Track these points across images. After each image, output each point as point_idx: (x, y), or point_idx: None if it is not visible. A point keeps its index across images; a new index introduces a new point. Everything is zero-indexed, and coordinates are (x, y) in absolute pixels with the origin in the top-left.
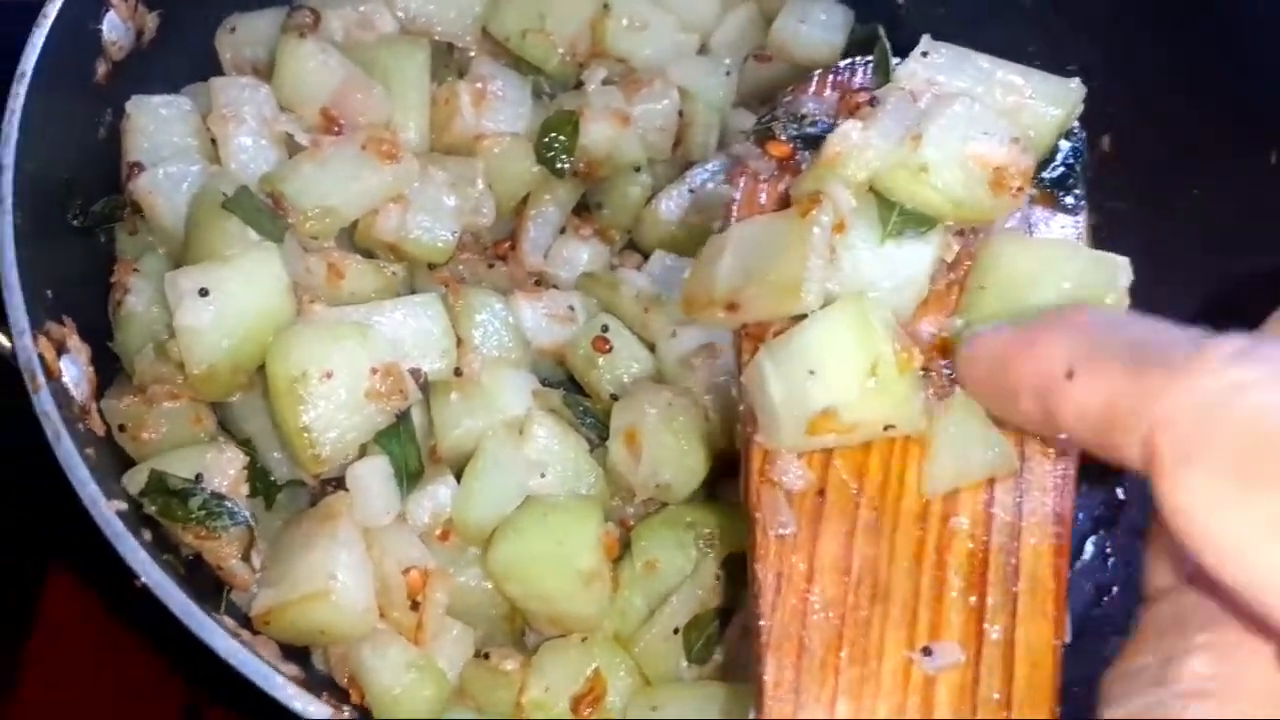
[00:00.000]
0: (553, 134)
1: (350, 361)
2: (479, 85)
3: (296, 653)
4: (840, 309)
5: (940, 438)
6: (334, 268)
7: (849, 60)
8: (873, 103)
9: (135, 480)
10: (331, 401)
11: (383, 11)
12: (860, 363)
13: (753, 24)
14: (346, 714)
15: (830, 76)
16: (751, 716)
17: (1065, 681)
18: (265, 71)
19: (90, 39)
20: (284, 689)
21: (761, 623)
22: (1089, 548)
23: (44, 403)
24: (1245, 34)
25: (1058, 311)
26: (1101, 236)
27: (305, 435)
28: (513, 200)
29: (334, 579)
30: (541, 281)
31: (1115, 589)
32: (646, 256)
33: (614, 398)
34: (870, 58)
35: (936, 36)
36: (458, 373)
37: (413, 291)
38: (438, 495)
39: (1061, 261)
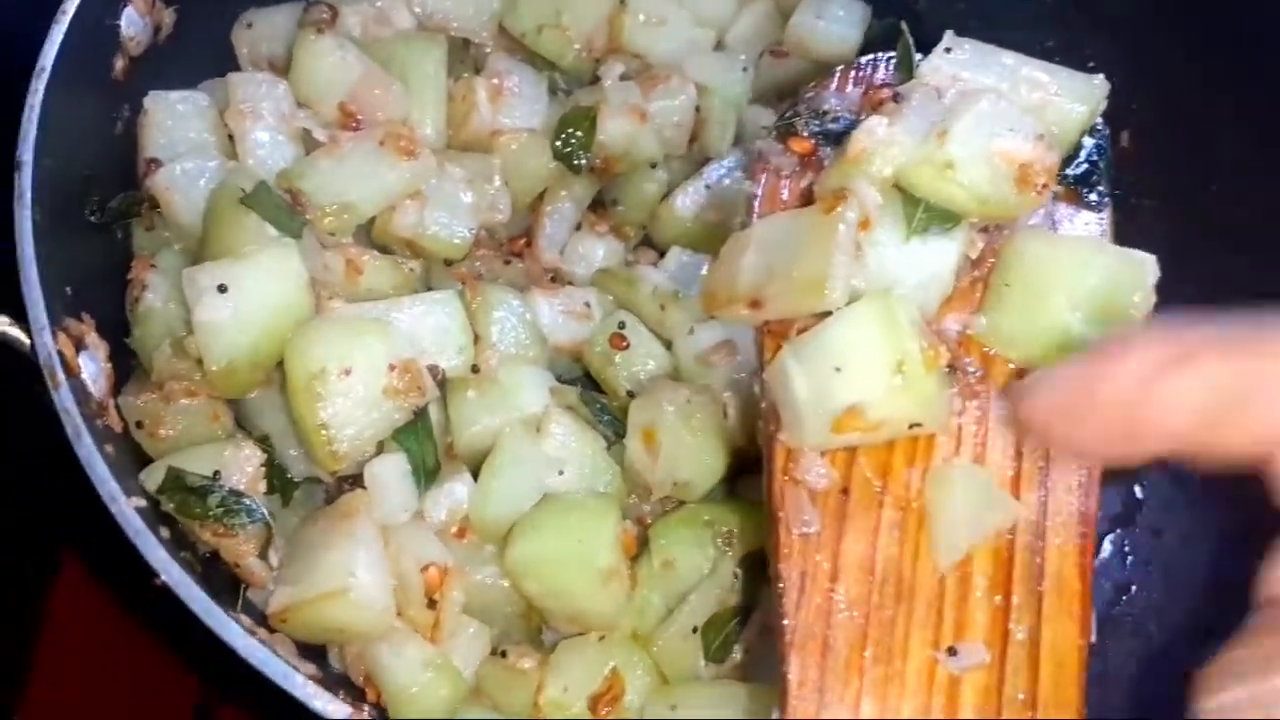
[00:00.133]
0: (569, 130)
1: (369, 358)
2: (495, 81)
3: (313, 651)
4: (866, 305)
5: (947, 512)
6: (352, 264)
7: (871, 56)
8: (897, 99)
9: (153, 477)
10: (349, 398)
11: (400, 7)
12: (886, 359)
13: (769, 19)
14: (366, 713)
15: (853, 72)
16: (775, 716)
17: None
18: (282, 67)
19: (108, 35)
20: (304, 688)
21: (785, 622)
22: (1107, 546)
23: (64, 399)
24: (1265, 30)
25: (1130, 331)
26: (1121, 233)
27: (323, 432)
28: (529, 196)
29: (353, 577)
30: (557, 278)
31: (1134, 587)
32: (661, 253)
33: (631, 395)
34: (892, 53)
35: (956, 33)
36: (475, 370)
37: (429, 288)
38: (455, 493)
39: (1087, 258)
